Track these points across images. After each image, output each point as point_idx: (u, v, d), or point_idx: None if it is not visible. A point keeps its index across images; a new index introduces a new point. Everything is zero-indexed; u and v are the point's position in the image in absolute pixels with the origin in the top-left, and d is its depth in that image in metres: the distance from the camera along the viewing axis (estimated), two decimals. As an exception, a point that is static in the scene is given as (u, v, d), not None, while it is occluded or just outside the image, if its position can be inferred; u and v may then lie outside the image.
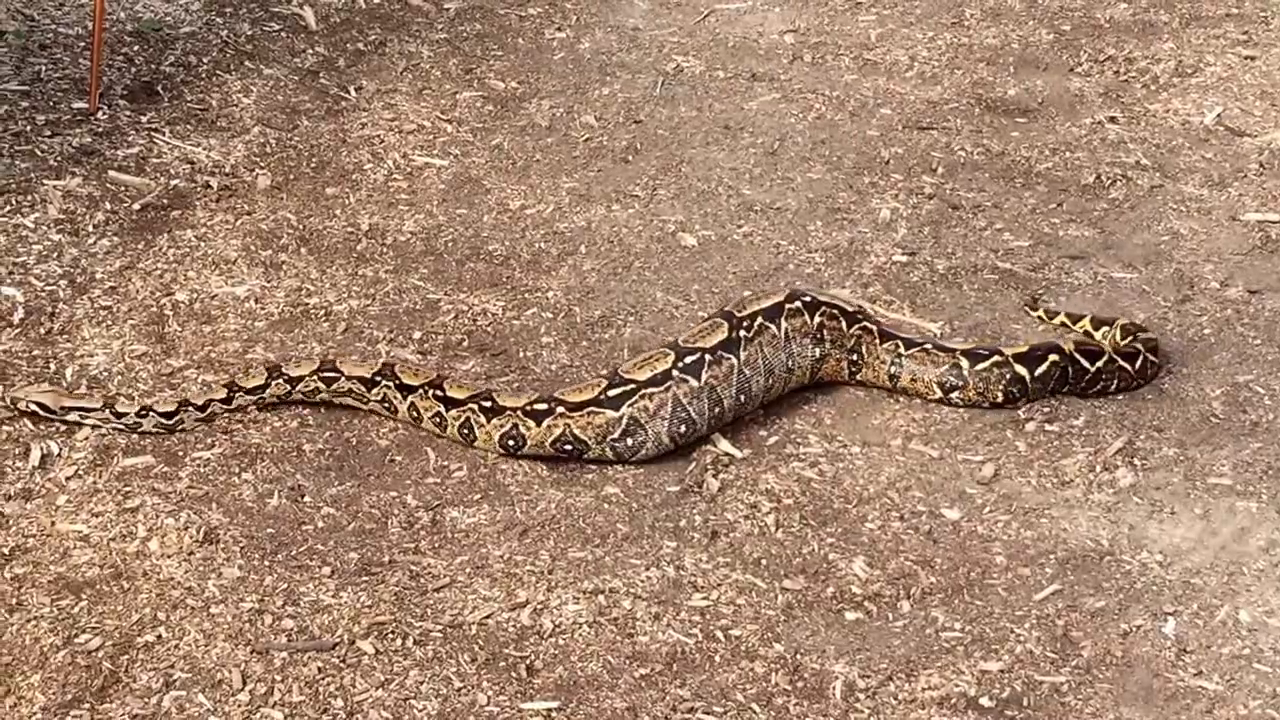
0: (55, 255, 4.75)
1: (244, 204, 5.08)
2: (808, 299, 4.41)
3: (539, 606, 3.71)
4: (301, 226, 5.00)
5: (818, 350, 4.38)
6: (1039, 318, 4.72)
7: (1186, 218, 5.24)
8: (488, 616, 3.68)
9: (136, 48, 5.81)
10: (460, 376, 4.33)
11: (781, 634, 3.69)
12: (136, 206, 5.00)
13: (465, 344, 4.56)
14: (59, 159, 5.16)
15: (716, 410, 4.21)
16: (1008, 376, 4.37)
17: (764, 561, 3.88)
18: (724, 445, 4.21)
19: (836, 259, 4.99)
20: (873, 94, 5.92)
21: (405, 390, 4.19)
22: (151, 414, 4.08)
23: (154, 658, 3.51)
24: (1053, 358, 4.39)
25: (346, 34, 6.12)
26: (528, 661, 3.57)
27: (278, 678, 3.48)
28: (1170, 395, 4.47)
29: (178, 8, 6.09)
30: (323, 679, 3.49)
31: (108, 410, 4.08)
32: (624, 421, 4.11)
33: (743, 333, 4.28)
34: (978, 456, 4.25)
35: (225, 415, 4.15)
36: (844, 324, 4.42)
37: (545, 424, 4.11)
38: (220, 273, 4.75)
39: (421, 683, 3.50)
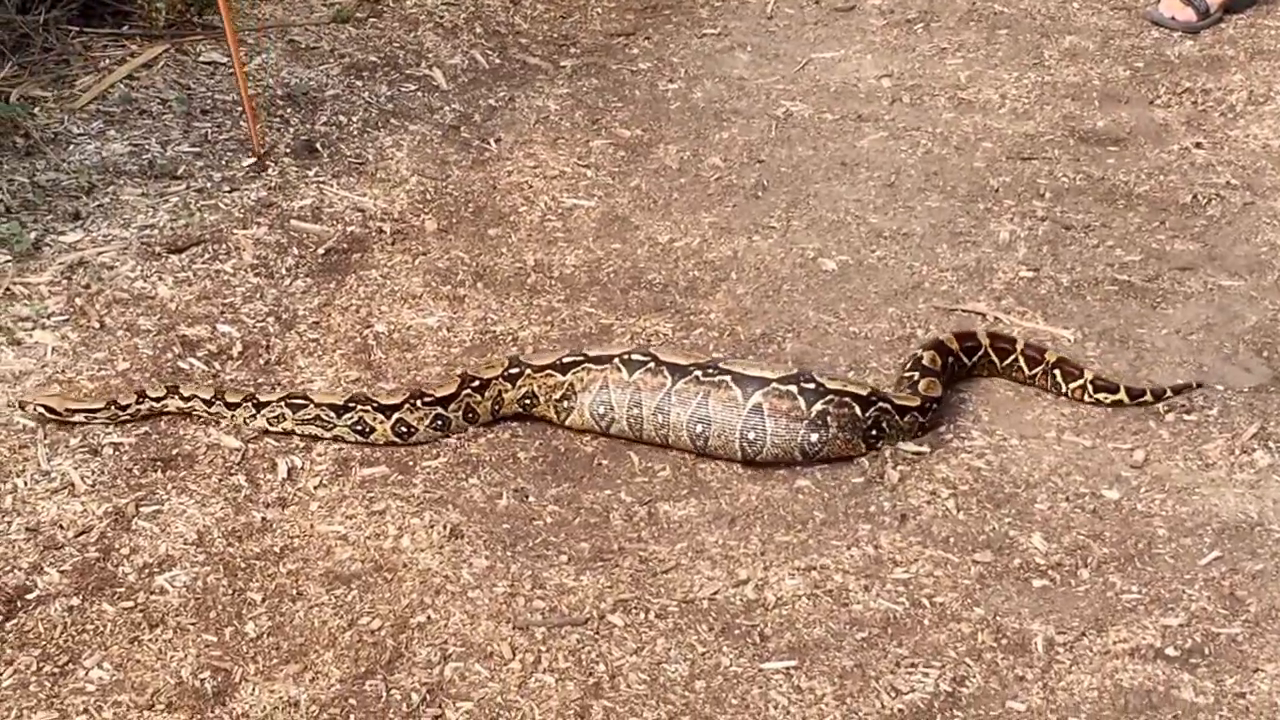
0: (258, 296, 5.16)
1: (418, 245, 5.51)
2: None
3: (760, 583, 4.12)
4: (474, 264, 5.43)
5: (814, 436, 4.50)
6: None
7: (1281, 230, 5.70)
8: (715, 593, 4.08)
9: (290, 110, 6.25)
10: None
11: (980, 600, 4.10)
12: (321, 251, 5.43)
13: (642, 362, 4.97)
14: (242, 211, 5.59)
15: (635, 413, 4.55)
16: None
17: (951, 539, 4.29)
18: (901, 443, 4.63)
19: (967, 276, 5.42)
20: (972, 130, 6.38)
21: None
22: (147, 399, 4.55)
23: (428, 635, 3.91)
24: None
25: (476, 91, 6.57)
26: (759, 629, 3.98)
27: (542, 649, 3.88)
28: (1291, 386, 4.91)
29: (320, 73, 6.54)
30: (582, 648, 3.89)
31: (113, 407, 4.53)
32: (564, 386, 4.62)
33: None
34: (1126, 444, 4.67)
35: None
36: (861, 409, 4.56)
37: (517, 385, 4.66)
38: (410, 306, 5.18)
39: (670, 649, 3.90)
